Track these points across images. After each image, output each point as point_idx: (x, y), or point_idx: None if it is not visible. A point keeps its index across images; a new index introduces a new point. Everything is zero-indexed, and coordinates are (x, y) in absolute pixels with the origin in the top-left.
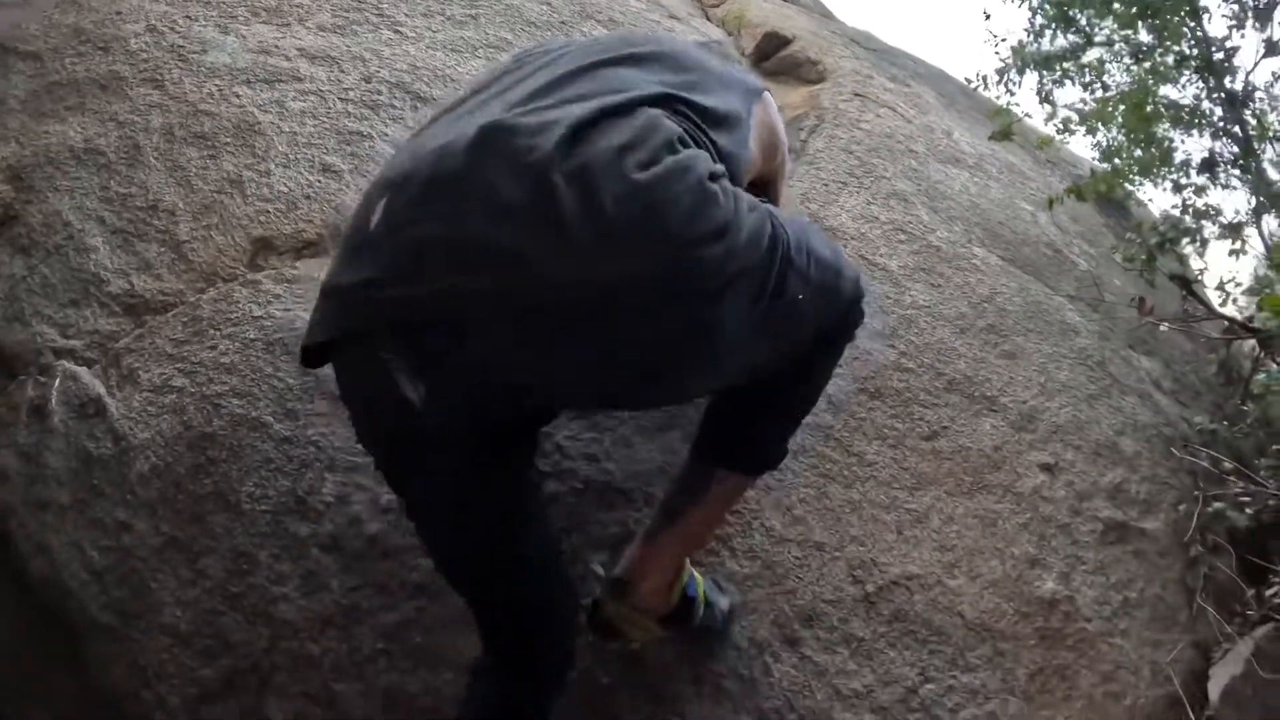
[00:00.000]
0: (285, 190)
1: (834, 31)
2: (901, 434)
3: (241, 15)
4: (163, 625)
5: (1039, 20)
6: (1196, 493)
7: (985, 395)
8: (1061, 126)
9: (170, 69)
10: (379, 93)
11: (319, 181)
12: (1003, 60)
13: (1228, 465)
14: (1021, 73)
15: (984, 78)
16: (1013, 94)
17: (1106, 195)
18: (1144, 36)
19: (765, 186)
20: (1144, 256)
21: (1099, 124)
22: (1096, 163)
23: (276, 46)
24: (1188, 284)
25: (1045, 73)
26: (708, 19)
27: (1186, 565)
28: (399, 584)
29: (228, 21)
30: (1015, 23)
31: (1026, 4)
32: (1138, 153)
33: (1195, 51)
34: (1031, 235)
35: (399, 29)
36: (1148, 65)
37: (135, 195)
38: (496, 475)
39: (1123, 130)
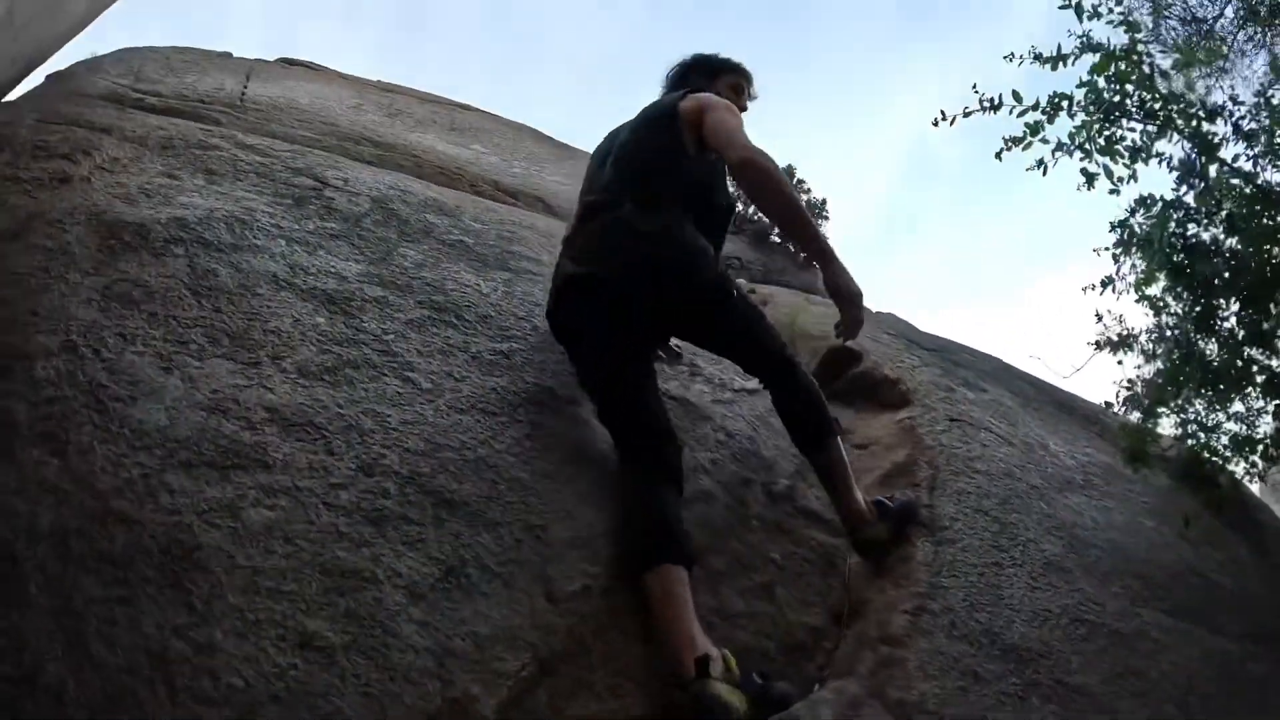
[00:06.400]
0: (238, 685)
1: (891, 334)
2: None
3: (195, 342)
4: None
5: (1174, 352)
6: None
7: None
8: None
9: (81, 425)
10: (386, 494)
11: (295, 668)
12: (1144, 400)
13: None
14: (1165, 403)
15: (1124, 401)
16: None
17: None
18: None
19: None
20: None
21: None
22: (1182, 441)
23: (237, 401)
24: None
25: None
26: None
27: None
28: None
29: (175, 350)
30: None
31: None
32: (1230, 426)
33: None
34: (1172, 565)
35: (409, 375)
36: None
37: (6, 651)
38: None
39: (1211, 404)
